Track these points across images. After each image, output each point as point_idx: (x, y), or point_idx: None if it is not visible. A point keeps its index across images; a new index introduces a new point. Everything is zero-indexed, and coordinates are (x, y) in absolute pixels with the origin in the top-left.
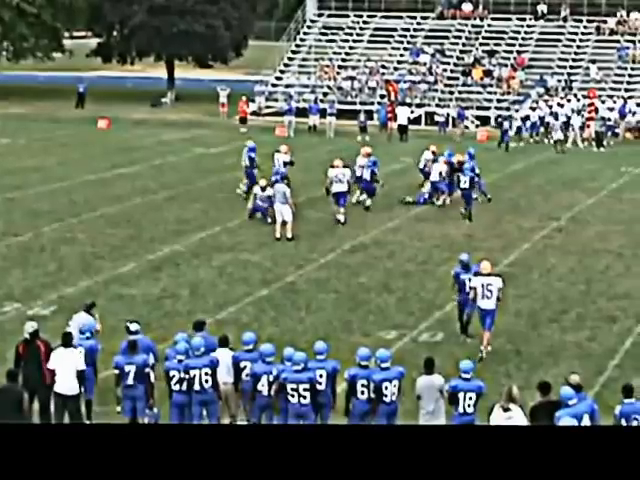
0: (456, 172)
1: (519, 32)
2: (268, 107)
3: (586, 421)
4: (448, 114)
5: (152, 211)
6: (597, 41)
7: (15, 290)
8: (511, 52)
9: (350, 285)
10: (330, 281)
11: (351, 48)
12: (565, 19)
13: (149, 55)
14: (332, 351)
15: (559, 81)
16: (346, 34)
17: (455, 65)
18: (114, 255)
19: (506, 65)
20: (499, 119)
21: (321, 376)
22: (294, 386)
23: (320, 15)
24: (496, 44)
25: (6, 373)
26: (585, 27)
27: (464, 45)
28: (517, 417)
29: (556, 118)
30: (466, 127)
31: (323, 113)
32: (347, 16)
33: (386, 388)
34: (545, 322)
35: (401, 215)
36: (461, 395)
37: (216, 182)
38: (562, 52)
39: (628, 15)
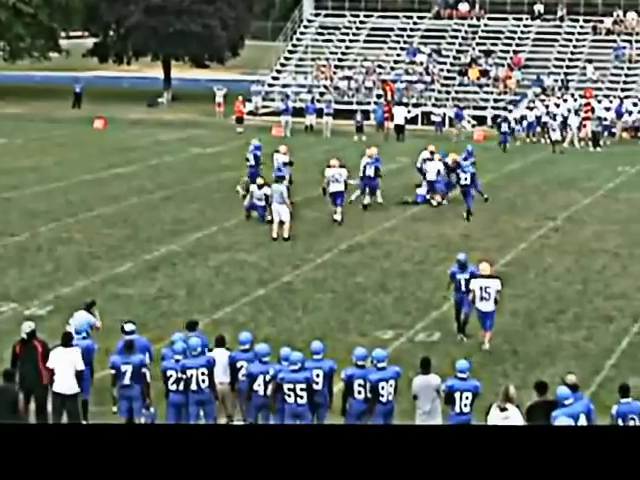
0: (452, 172)
1: (516, 32)
2: (265, 107)
3: (582, 421)
4: (445, 114)
5: (149, 211)
6: (594, 41)
7: (11, 290)
8: (508, 52)
9: (347, 285)
10: (327, 281)
11: (348, 48)
12: (562, 19)
13: (145, 55)
14: (329, 351)
15: (556, 81)
16: (343, 34)
17: (452, 65)
18: (111, 255)
19: (503, 65)
20: (497, 119)
21: (318, 376)
22: (291, 386)
23: (317, 15)
24: (493, 44)
25: (2, 373)
26: (582, 27)
27: (461, 45)
28: (514, 417)
29: (554, 118)
30: (463, 127)
31: (320, 113)
32: (344, 16)
33: (382, 388)
34: (542, 322)
35: (398, 215)
36: (457, 395)
37: (213, 182)
38: (559, 52)
39: (624, 15)
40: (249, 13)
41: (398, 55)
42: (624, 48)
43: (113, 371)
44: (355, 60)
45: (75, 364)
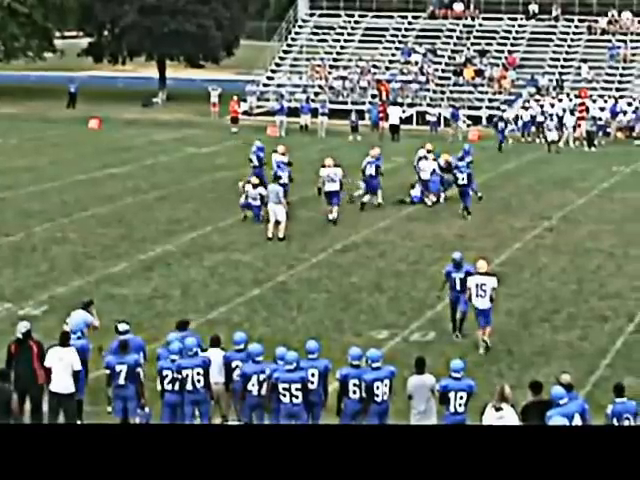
0: (446, 172)
1: (510, 32)
2: (259, 107)
3: (577, 420)
4: (440, 114)
5: (143, 211)
6: (588, 40)
7: (6, 290)
8: (502, 52)
9: (341, 285)
10: (321, 281)
11: (342, 48)
12: (556, 19)
13: (140, 55)
14: (324, 351)
15: (550, 81)
16: (337, 34)
17: (446, 65)
18: (105, 255)
19: (497, 65)
20: (494, 119)
21: (313, 375)
22: (286, 386)
23: (311, 15)
24: (487, 44)
25: None
26: (576, 27)
27: (455, 45)
28: (509, 416)
29: (550, 118)
30: (459, 127)
31: (315, 113)
32: (339, 16)
33: (377, 388)
34: (537, 321)
35: (392, 215)
36: (452, 395)
37: (207, 182)
38: (553, 52)
39: (619, 15)
40: (244, 13)
41: (393, 55)
42: (619, 48)
43: (108, 371)
44: (350, 60)
45: (72, 364)
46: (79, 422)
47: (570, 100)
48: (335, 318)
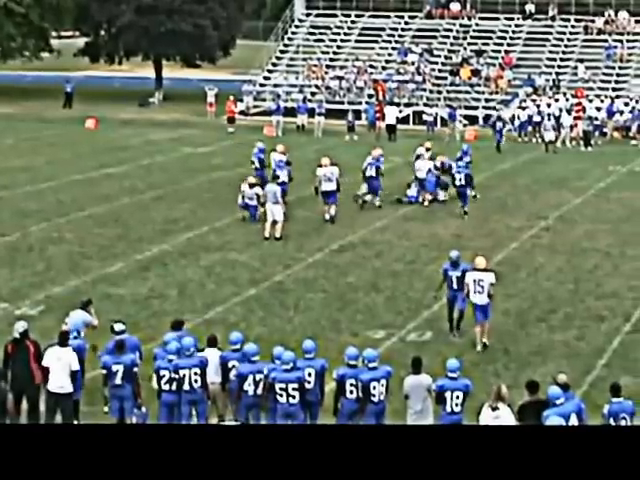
0: (442, 173)
1: (507, 31)
2: (256, 107)
3: (573, 420)
4: (437, 114)
5: (140, 211)
6: (585, 40)
7: (3, 290)
8: (499, 51)
9: (338, 285)
10: (318, 280)
11: (339, 47)
12: (553, 18)
13: (137, 55)
14: (320, 351)
15: (547, 80)
16: (334, 34)
17: (443, 64)
18: (102, 255)
19: (494, 64)
20: (492, 119)
21: (310, 374)
22: (283, 386)
23: (308, 15)
24: (484, 43)
25: None
26: (573, 26)
27: (452, 44)
28: (505, 416)
29: (548, 118)
30: (456, 127)
31: (311, 112)
32: (335, 16)
33: (374, 388)
34: (533, 321)
35: (389, 214)
36: (448, 394)
37: (204, 182)
38: (550, 51)
39: (616, 14)
40: (240, 13)
41: (389, 55)
42: (615, 48)
43: (104, 371)
44: (346, 60)
45: (70, 364)
46: (76, 422)
47: (567, 100)
48: (332, 318)
